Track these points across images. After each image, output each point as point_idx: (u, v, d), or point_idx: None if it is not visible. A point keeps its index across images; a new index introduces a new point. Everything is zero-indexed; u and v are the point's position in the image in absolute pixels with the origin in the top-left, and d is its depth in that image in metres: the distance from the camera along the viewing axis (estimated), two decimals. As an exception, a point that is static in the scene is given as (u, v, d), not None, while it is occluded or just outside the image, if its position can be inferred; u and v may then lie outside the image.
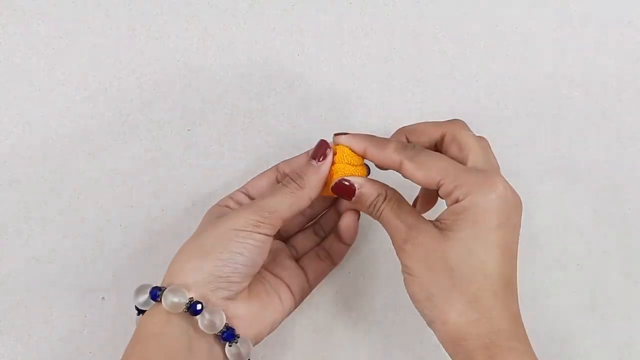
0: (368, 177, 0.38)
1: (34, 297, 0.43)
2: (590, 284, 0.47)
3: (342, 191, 0.37)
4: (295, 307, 0.39)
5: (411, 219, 0.35)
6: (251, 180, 0.39)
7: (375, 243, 0.45)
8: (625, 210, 0.47)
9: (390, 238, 0.36)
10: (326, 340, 0.46)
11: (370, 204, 0.36)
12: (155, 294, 0.34)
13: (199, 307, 0.33)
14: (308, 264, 0.40)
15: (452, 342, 0.33)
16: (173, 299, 0.33)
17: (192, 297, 0.33)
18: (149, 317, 0.34)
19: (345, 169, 0.37)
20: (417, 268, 0.34)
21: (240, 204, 0.38)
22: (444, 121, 0.38)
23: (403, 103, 0.45)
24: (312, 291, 0.45)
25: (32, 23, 0.42)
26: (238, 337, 0.34)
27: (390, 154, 0.36)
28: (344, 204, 0.40)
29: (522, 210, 0.36)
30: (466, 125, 0.38)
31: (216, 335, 0.34)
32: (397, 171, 0.37)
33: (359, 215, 0.40)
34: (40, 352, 0.43)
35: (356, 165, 0.37)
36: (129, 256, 0.43)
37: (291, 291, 0.38)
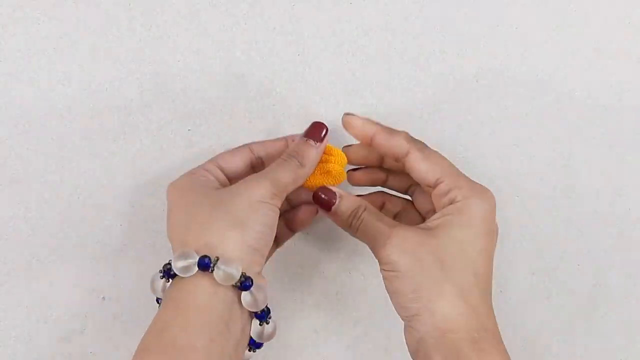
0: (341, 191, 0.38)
1: (34, 297, 0.43)
2: (590, 284, 0.47)
3: (321, 203, 0.38)
4: None
5: (391, 221, 0.36)
6: (223, 154, 0.39)
7: (375, 243, 0.45)
8: (625, 210, 0.47)
9: (370, 243, 0.36)
10: (326, 340, 0.46)
11: (350, 215, 0.37)
12: (208, 263, 0.32)
13: (250, 284, 0.32)
14: (278, 231, 0.39)
15: (438, 334, 0.33)
16: (227, 271, 0.32)
17: (243, 272, 0.32)
18: (190, 286, 0.32)
19: (332, 168, 0.39)
20: (403, 261, 0.34)
21: (217, 178, 0.37)
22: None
23: (403, 103, 0.45)
24: (313, 291, 0.46)
25: (32, 23, 0.42)
26: (270, 318, 0.34)
27: (401, 141, 0.37)
28: (301, 194, 0.40)
29: (497, 235, 0.37)
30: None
31: (250, 313, 0.33)
32: (398, 160, 0.37)
33: (317, 212, 0.40)
34: (40, 352, 0.43)
35: (340, 167, 0.39)
36: (129, 256, 0.43)
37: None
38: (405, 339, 0.35)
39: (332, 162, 0.39)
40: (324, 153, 0.39)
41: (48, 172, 0.43)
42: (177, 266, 0.32)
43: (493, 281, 0.46)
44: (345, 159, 0.40)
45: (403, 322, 0.35)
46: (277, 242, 0.41)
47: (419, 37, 0.44)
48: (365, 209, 0.37)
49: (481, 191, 0.35)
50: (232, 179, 0.38)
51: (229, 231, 0.33)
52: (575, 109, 0.46)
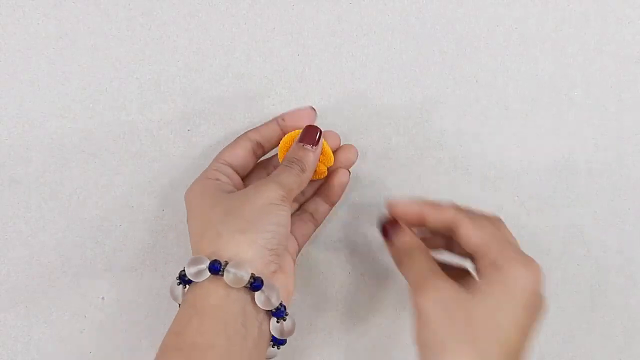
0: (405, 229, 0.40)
1: (34, 297, 0.43)
2: (590, 284, 0.47)
3: (385, 232, 0.39)
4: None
5: (436, 270, 0.37)
6: (225, 150, 0.40)
7: (375, 243, 0.45)
8: (625, 210, 0.47)
9: (410, 285, 0.37)
10: (326, 340, 0.46)
11: (403, 251, 0.38)
12: (218, 267, 0.33)
13: (260, 284, 0.33)
14: (295, 228, 0.41)
15: None
16: (237, 274, 0.33)
17: (253, 273, 0.33)
18: (203, 289, 0.34)
19: (317, 167, 0.40)
20: (433, 311, 0.35)
21: (228, 176, 0.39)
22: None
23: (403, 103, 0.45)
24: (313, 291, 0.46)
25: (32, 23, 0.42)
26: (287, 315, 0.35)
27: (451, 211, 0.37)
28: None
29: (544, 311, 0.36)
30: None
31: (266, 311, 0.34)
32: (447, 232, 0.38)
33: (350, 173, 0.42)
34: (40, 352, 0.43)
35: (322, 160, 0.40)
36: (129, 256, 0.43)
37: (290, 256, 0.39)
38: None
39: (320, 161, 0.40)
40: None
41: (48, 172, 0.43)
42: (190, 272, 0.33)
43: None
44: (333, 160, 0.41)
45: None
46: (316, 222, 0.42)
47: (419, 37, 0.44)
48: (418, 250, 0.38)
49: (526, 262, 0.35)
50: (239, 171, 0.40)
51: (240, 235, 0.34)
52: (575, 109, 0.46)
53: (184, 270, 0.34)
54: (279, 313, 0.34)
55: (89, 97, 0.43)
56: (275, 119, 0.41)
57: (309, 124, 0.40)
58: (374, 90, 0.45)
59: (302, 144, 0.39)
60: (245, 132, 0.41)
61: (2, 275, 0.42)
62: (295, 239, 0.41)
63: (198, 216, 0.37)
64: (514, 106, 0.45)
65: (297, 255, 0.40)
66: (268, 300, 0.34)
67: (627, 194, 0.47)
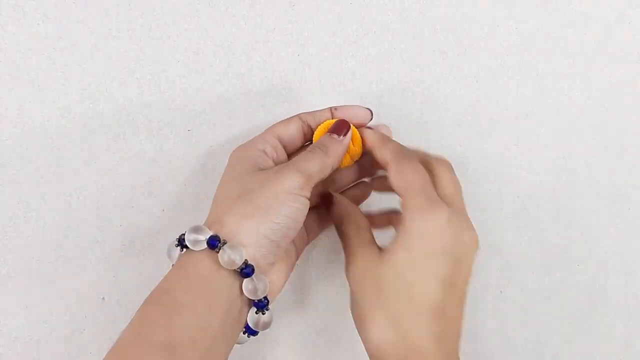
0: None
1: (34, 297, 0.43)
2: (590, 284, 0.47)
3: (323, 201, 0.40)
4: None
5: (364, 239, 0.37)
6: (279, 125, 0.39)
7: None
8: (625, 211, 0.47)
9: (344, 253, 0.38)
10: (326, 340, 0.46)
11: (337, 220, 0.39)
12: (215, 244, 0.33)
13: (250, 271, 0.33)
14: (309, 224, 0.41)
15: None
16: (231, 256, 0.33)
17: (246, 259, 0.33)
18: (198, 258, 0.34)
19: (350, 148, 0.39)
20: (353, 287, 0.36)
21: (275, 150, 0.38)
22: (432, 156, 0.39)
23: (403, 103, 0.45)
24: (312, 291, 0.46)
25: (32, 23, 0.42)
26: (268, 310, 0.35)
27: (384, 151, 0.37)
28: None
29: (475, 250, 0.35)
30: (451, 167, 0.38)
31: (249, 299, 0.34)
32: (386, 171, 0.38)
33: (371, 190, 0.42)
34: (40, 352, 0.43)
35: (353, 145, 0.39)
36: (129, 256, 0.43)
37: (296, 247, 0.39)
38: None
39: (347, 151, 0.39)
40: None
41: (48, 172, 0.43)
42: (189, 238, 0.34)
43: (493, 281, 0.46)
44: (360, 137, 0.39)
45: None
46: (309, 237, 0.42)
47: (419, 37, 0.44)
48: (350, 221, 0.38)
49: (429, 209, 0.34)
50: (288, 147, 0.40)
51: (247, 220, 0.34)
52: (575, 109, 0.46)
53: (184, 235, 0.34)
54: (261, 305, 0.34)
55: (89, 97, 0.43)
56: (329, 108, 0.40)
57: (361, 121, 0.39)
58: (374, 90, 0.45)
59: (329, 134, 0.38)
60: (298, 113, 0.40)
61: (2, 275, 0.42)
62: (307, 233, 0.40)
63: (224, 182, 0.37)
64: (514, 106, 0.45)
65: (304, 247, 0.41)
66: (255, 289, 0.34)
67: (627, 194, 0.47)
